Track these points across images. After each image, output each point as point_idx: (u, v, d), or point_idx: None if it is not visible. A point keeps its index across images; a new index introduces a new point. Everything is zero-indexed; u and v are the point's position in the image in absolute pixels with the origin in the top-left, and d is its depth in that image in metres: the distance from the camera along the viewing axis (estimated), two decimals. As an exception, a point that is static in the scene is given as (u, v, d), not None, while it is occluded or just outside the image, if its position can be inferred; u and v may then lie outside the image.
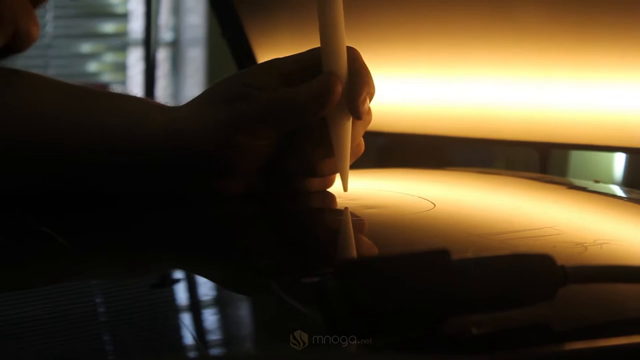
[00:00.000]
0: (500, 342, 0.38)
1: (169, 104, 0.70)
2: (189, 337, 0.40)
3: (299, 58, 0.67)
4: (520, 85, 1.13)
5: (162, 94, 3.45)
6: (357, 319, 0.35)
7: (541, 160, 1.25)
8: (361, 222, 0.63)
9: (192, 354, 0.38)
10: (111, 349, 0.39)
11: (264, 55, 1.46)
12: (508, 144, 1.34)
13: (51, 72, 3.48)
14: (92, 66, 3.62)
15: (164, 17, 3.52)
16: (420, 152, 1.77)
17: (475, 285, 0.37)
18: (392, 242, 0.57)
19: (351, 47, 0.65)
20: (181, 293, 0.48)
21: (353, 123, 0.65)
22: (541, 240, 0.55)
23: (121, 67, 3.65)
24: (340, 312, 0.35)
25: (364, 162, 0.71)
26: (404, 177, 0.91)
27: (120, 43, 3.63)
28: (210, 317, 0.43)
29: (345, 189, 0.66)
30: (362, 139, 0.68)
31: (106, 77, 3.64)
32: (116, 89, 3.47)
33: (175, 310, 0.44)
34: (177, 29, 3.63)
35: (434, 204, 0.66)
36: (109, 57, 3.64)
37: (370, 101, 0.65)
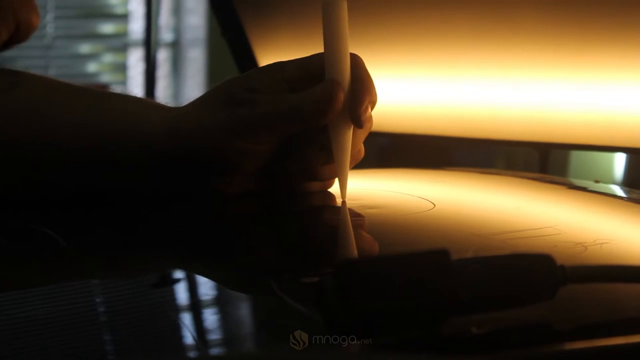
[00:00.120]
0: (500, 342, 0.38)
1: (169, 105, 0.70)
2: (188, 337, 0.40)
3: (301, 63, 0.67)
4: (520, 85, 1.13)
5: (163, 95, 3.45)
6: (356, 319, 0.35)
7: (541, 160, 1.25)
8: (361, 221, 0.63)
9: (191, 354, 0.38)
10: (110, 349, 0.39)
11: (265, 55, 1.46)
12: (508, 144, 1.34)
13: (52, 73, 3.48)
14: (93, 67, 3.62)
15: (165, 18, 3.52)
16: (421, 152, 1.77)
17: (474, 285, 0.37)
18: (391, 242, 0.57)
19: (354, 55, 0.65)
20: (180, 293, 0.48)
21: (354, 130, 0.65)
22: (541, 240, 0.55)
23: (121, 68, 3.65)
24: (338, 312, 0.35)
25: (364, 162, 0.71)
26: (404, 177, 0.91)
27: (121, 44, 3.63)
28: (209, 317, 0.43)
29: (343, 196, 0.66)
30: (362, 144, 0.68)
31: (107, 78, 3.64)
32: (116, 89, 3.47)
33: (174, 310, 0.44)
34: (177, 29, 3.63)
35: (434, 204, 0.66)
36: (110, 58, 3.64)
37: (372, 109, 0.65)
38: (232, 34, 1.51)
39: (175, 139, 0.66)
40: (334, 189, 0.69)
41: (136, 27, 3.53)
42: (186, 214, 0.66)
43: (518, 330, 0.39)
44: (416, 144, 1.69)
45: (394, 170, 1.00)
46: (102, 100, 0.70)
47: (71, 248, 0.54)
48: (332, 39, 0.64)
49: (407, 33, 1.25)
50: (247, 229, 0.64)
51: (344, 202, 0.65)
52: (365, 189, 0.74)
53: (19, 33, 0.49)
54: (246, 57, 1.47)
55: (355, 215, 0.64)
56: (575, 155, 1.71)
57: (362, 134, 0.67)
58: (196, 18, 3.55)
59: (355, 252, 0.54)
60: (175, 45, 3.63)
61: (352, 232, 0.61)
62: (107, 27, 3.62)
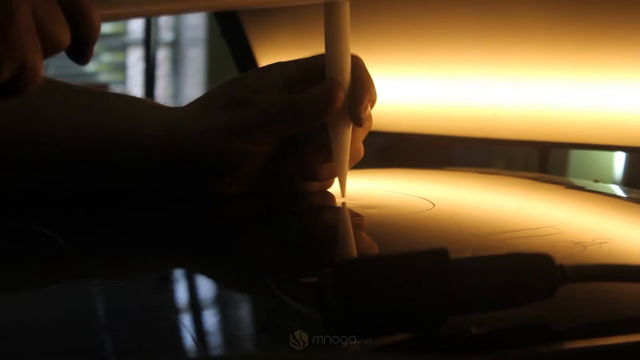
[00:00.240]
0: (499, 342, 0.38)
1: (169, 105, 0.70)
2: (187, 338, 0.40)
3: (301, 63, 0.68)
4: (519, 84, 1.13)
5: (162, 94, 3.45)
6: (355, 318, 0.35)
7: (541, 159, 1.25)
8: (360, 221, 0.63)
9: (191, 355, 0.38)
10: (110, 350, 0.39)
11: (264, 55, 1.46)
12: (508, 143, 1.34)
13: (51, 72, 3.48)
14: (92, 66, 3.62)
15: (164, 17, 3.52)
16: (420, 151, 1.77)
17: (473, 285, 0.37)
18: (391, 241, 0.57)
19: (355, 55, 0.65)
20: (179, 293, 0.48)
21: (353, 129, 0.65)
22: (540, 239, 0.55)
23: (120, 67, 3.65)
24: (337, 312, 0.35)
25: (363, 162, 0.71)
26: (403, 177, 0.91)
27: (120, 43, 3.63)
28: (208, 318, 0.43)
29: (342, 194, 0.66)
30: (361, 144, 0.68)
31: (106, 77, 3.64)
32: (116, 89, 3.47)
33: (173, 310, 0.44)
34: (177, 29, 3.63)
35: (433, 203, 0.66)
36: (109, 57, 3.64)
37: (371, 108, 0.66)
38: (231, 33, 1.50)
39: (175, 139, 0.66)
40: (334, 188, 0.70)
41: (135, 26, 3.53)
42: (185, 214, 0.66)
43: (517, 330, 0.39)
44: (415, 143, 1.69)
45: (393, 170, 1.00)
46: (102, 100, 0.70)
47: (70, 248, 0.55)
48: (333, 39, 0.64)
49: (407, 32, 1.25)
50: (246, 229, 0.64)
51: (343, 202, 0.66)
52: (365, 189, 0.74)
53: (22, 76, 0.48)
54: (246, 57, 1.47)
55: (355, 215, 0.64)
56: (574, 154, 1.71)
57: (362, 133, 0.67)
58: (196, 17, 3.55)
59: (354, 252, 0.54)
60: (175, 45, 3.63)
61: (351, 232, 0.61)
62: (106, 27, 3.61)
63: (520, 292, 0.38)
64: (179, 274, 0.51)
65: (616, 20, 0.99)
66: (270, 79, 0.67)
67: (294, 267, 0.52)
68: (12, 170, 0.66)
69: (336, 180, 0.67)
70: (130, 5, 0.56)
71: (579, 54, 1.04)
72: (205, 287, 0.49)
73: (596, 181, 0.91)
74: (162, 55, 3.52)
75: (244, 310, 0.45)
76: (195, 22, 3.55)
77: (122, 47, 3.62)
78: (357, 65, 0.65)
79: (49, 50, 0.50)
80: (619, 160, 1.67)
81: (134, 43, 3.56)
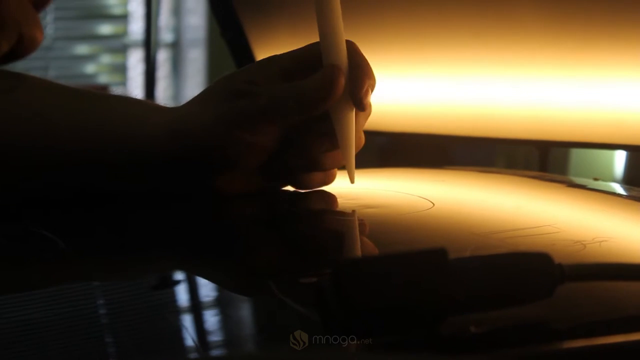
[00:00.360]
0: (498, 341, 0.38)
1: (169, 106, 0.70)
2: (187, 339, 0.40)
3: (297, 54, 0.68)
4: (519, 83, 1.13)
5: (163, 95, 3.45)
6: (354, 318, 0.35)
7: (541, 158, 1.25)
8: (360, 221, 0.63)
9: (190, 356, 0.38)
10: (109, 352, 0.39)
11: (264, 56, 1.46)
12: (508, 142, 1.34)
13: (51, 74, 3.48)
14: (93, 68, 3.62)
15: (164, 18, 3.52)
16: (421, 151, 1.77)
17: (472, 284, 0.37)
18: (390, 241, 0.57)
19: (349, 41, 0.65)
20: (179, 294, 0.48)
21: (355, 115, 0.65)
22: (540, 238, 0.55)
23: (121, 69, 3.65)
24: (336, 312, 0.35)
25: (364, 161, 0.71)
26: (403, 176, 0.91)
27: (121, 44, 3.63)
28: (207, 319, 0.43)
29: (352, 180, 0.66)
30: (362, 132, 0.69)
31: (107, 79, 3.64)
32: (116, 90, 3.48)
33: (173, 311, 0.44)
34: (177, 30, 3.63)
35: (433, 203, 0.66)
36: (110, 59, 3.64)
37: (372, 92, 0.66)
38: (231, 34, 1.51)
39: (176, 138, 0.66)
40: (334, 185, 0.70)
41: (136, 27, 3.53)
42: (185, 214, 0.66)
43: (516, 329, 0.39)
44: (416, 142, 1.69)
45: (393, 169, 1.00)
46: (102, 102, 0.70)
47: (70, 250, 0.55)
48: (326, 26, 0.65)
49: (407, 31, 1.25)
50: (246, 229, 0.64)
51: (342, 204, 0.66)
52: (365, 188, 0.74)
53: (21, 47, 0.49)
54: (246, 58, 1.47)
55: (355, 214, 0.64)
56: (575, 153, 1.71)
57: (363, 119, 0.67)
58: (196, 18, 3.55)
59: (354, 252, 0.54)
60: (175, 46, 3.63)
61: (351, 232, 0.61)
62: (107, 28, 3.62)
63: (519, 292, 0.38)
64: (178, 275, 0.51)
65: (616, 19, 0.99)
66: (269, 70, 0.67)
67: (294, 267, 0.52)
68: (13, 171, 0.66)
69: (339, 172, 0.67)
70: None
71: (579, 52, 1.04)
72: (205, 287, 0.49)
73: (596, 179, 0.91)
74: (163, 57, 3.53)
75: (244, 311, 0.45)
76: (196, 23, 3.55)
77: (122, 49, 3.62)
78: (354, 51, 0.65)
79: (44, 2, 0.50)
80: (619, 159, 1.67)
81: (134, 44, 3.57)
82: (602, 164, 1.74)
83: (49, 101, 0.68)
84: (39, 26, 0.49)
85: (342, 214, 0.65)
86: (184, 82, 3.60)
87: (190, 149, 0.66)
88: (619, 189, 1.05)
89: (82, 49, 3.57)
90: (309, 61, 0.66)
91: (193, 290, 0.48)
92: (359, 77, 0.64)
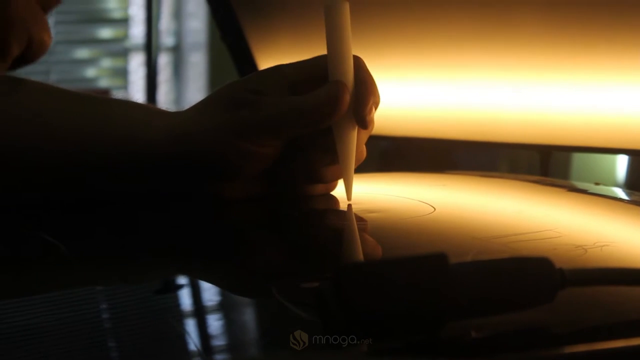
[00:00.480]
0: (499, 346, 0.38)
1: (170, 110, 0.70)
2: (188, 342, 0.40)
3: (303, 65, 0.67)
4: (521, 88, 1.13)
5: (164, 99, 3.45)
6: (355, 323, 0.35)
7: (542, 162, 1.25)
8: (361, 225, 0.63)
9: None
10: (112, 356, 0.39)
11: (264, 60, 1.46)
12: (510, 146, 1.34)
13: (53, 78, 3.48)
14: (94, 72, 3.62)
15: (165, 22, 3.52)
16: (423, 155, 1.77)
17: (473, 289, 0.37)
18: (391, 246, 0.57)
19: (356, 56, 0.65)
20: (180, 298, 0.48)
21: (357, 131, 0.65)
22: (541, 243, 0.55)
23: (122, 73, 3.65)
24: (337, 317, 0.35)
25: (366, 166, 0.71)
26: (404, 180, 0.91)
27: (122, 48, 3.63)
28: (208, 323, 0.43)
29: (348, 198, 0.66)
30: (364, 145, 0.68)
31: (108, 83, 3.64)
32: (118, 94, 3.48)
33: (175, 315, 0.44)
34: (178, 33, 3.63)
35: (434, 207, 0.66)
36: (111, 63, 3.64)
37: (375, 110, 0.66)
38: (232, 38, 1.51)
39: (178, 143, 0.66)
40: (337, 191, 0.70)
41: (137, 31, 3.54)
42: (186, 218, 0.66)
43: (517, 334, 0.39)
44: (418, 147, 1.69)
45: (395, 174, 1.00)
46: (103, 105, 0.70)
47: (71, 253, 0.54)
48: (335, 41, 0.64)
49: (409, 36, 1.25)
50: (248, 233, 0.64)
51: (348, 205, 0.66)
52: (366, 193, 0.74)
53: (31, 51, 0.49)
54: (246, 62, 1.47)
55: (356, 219, 0.64)
56: (577, 157, 1.71)
57: (365, 135, 0.67)
58: (197, 22, 3.55)
59: (355, 257, 0.54)
60: (176, 50, 3.63)
61: (352, 237, 0.61)
62: (108, 32, 3.62)
63: (520, 296, 0.38)
64: (180, 279, 0.51)
65: (617, 24, 0.99)
66: (273, 81, 0.67)
67: (296, 271, 0.52)
68: (14, 173, 0.66)
69: (341, 182, 0.67)
70: None
71: (581, 56, 1.04)
72: (206, 292, 0.49)
73: (597, 184, 0.91)
74: (164, 60, 3.52)
75: (245, 316, 0.45)
76: (197, 27, 3.55)
77: (123, 53, 3.63)
78: (360, 67, 0.65)
79: (52, 4, 0.50)
80: (621, 163, 1.66)
81: (135, 48, 3.57)
82: (604, 168, 1.74)
83: (49, 104, 0.68)
84: (47, 29, 0.49)
85: (344, 218, 0.65)
86: (185, 85, 3.60)
87: (191, 155, 0.66)
88: (620, 193, 1.04)
89: (83, 52, 3.57)
90: (314, 74, 0.66)
91: (193, 295, 0.48)
92: (364, 94, 0.64)
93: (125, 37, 3.62)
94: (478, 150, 1.75)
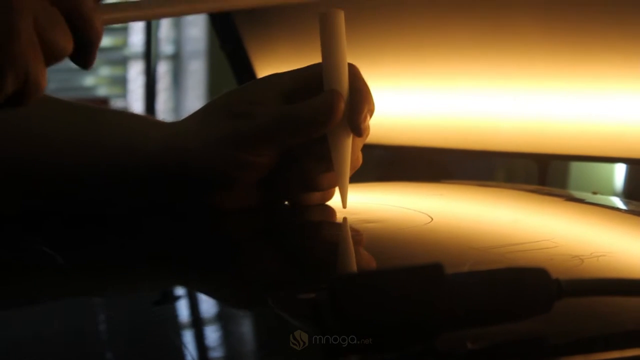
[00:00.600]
0: (495, 356, 0.38)
1: (168, 120, 0.70)
2: (185, 354, 0.40)
3: (298, 74, 0.68)
4: (519, 96, 1.13)
5: (163, 108, 3.45)
6: (351, 334, 0.35)
7: (540, 171, 1.25)
8: (358, 236, 0.63)
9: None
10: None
11: (263, 68, 1.46)
12: (507, 155, 1.34)
13: (51, 86, 3.48)
14: (93, 80, 3.62)
15: (165, 30, 3.52)
16: (420, 164, 1.77)
17: (469, 300, 0.37)
18: (388, 256, 0.57)
19: (351, 65, 0.65)
20: (176, 309, 0.48)
21: (352, 138, 0.65)
22: (538, 253, 0.55)
23: (121, 81, 3.65)
24: (333, 327, 0.35)
25: (363, 174, 0.71)
26: (401, 190, 0.91)
27: (120, 56, 3.63)
28: (205, 334, 0.43)
29: (344, 205, 0.66)
30: (360, 152, 0.69)
31: (107, 91, 3.64)
32: (116, 102, 3.48)
33: (171, 326, 0.44)
34: (177, 41, 3.63)
35: (431, 217, 0.66)
36: (109, 71, 3.65)
37: (370, 118, 0.66)
38: (231, 47, 1.51)
39: (174, 154, 0.66)
40: (334, 201, 0.70)
41: (136, 39, 3.54)
42: (183, 229, 0.66)
43: (513, 345, 0.39)
44: (415, 156, 1.70)
45: (392, 183, 1.00)
46: (99, 116, 0.70)
47: (68, 264, 0.54)
48: (330, 50, 0.64)
49: (406, 45, 1.25)
50: (244, 244, 0.64)
51: (343, 217, 0.66)
52: (363, 203, 0.74)
53: (25, 90, 0.48)
54: (245, 71, 1.48)
55: (353, 229, 0.64)
56: (575, 166, 1.71)
57: (360, 142, 0.67)
58: (196, 30, 3.55)
59: (352, 267, 0.54)
60: (176, 58, 3.64)
61: (349, 247, 0.61)
62: (107, 40, 3.62)
63: (516, 307, 0.38)
64: (177, 290, 0.51)
65: (616, 33, 0.99)
66: (269, 90, 0.67)
67: (292, 283, 0.52)
68: (13, 187, 0.66)
69: (337, 190, 0.67)
70: (132, 10, 0.57)
71: (579, 65, 1.04)
72: (203, 303, 0.49)
73: (594, 193, 0.91)
74: (163, 69, 3.53)
75: (241, 327, 0.45)
76: (196, 35, 3.55)
77: (122, 61, 3.63)
78: (355, 75, 0.65)
79: (52, 58, 0.50)
80: (619, 172, 1.67)
81: (134, 56, 3.57)
82: (602, 177, 1.74)
83: (47, 116, 0.68)
84: (44, 75, 0.49)
85: (340, 228, 0.65)
86: (185, 94, 3.60)
87: (186, 166, 0.66)
88: (617, 203, 1.05)
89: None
90: (310, 82, 0.66)
91: (190, 306, 0.48)
92: (358, 103, 0.64)
93: (124, 45, 3.62)
94: (476, 159, 1.75)
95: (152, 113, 2.58)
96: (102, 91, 3.63)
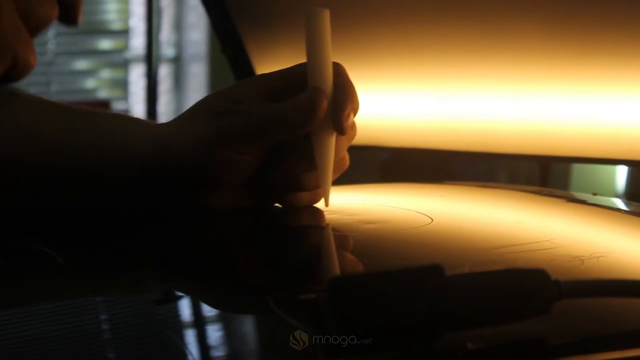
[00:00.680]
0: (495, 357, 0.38)
1: (157, 122, 0.70)
2: (185, 354, 0.40)
3: (284, 73, 0.68)
4: (520, 98, 1.13)
5: (164, 110, 3.45)
6: (349, 335, 0.35)
7: (542, 173, 1.25)
8: (358, 237, 0.63)
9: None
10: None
11: (264, 71, 1.46)
12: (509, 157, 1.34)
13: (53, 89, 3.49)
14: (95, 83, 3.63)
15: (166, 33, 3.53)
16: (423, 166, 1.77)
17: (468, 301, 0.37)
18: (388, 257, 0.57)
19: (336, 63, 0.65)
20: (174, 312, 0.48)
21: (337, 138, 0.65)
22: (538, 254, 0.55)
23: (122, 84, 3.66)
24: (332, 329, 0.35)
25: (365, 176, 0.71)
26: (402, 191, 0.91)
27: (121, 59, 3.64)
28: (206, 336, 0.43)
29: (326, 204, 0.66)
30: (346, 153, 0.68)
31: (109, 94, 3.64)
32: (117, 105, 3.48)
33: (170, 329, 0.44)
34: (178, 44, 3.63)
35: (431, 218, 0.66)
36: (110, 74, 3.65)
37: (354, 116, 0.66)
38: (232, 50, 1.51)
39: (162, 154, 0.66)
40: (333, 201, 0.69)
41: (137, 42, 3.54)
42: (171, 231, 0.66)
43: (513, 346, 0.39)
44: (417, 157, 1.69)
45: (393, 184, 1.00)
46: (87, 117, 0.70)
47: (62, 267, 0.54)
48: (314, 49, 0.65)
49: (409, 47, 1.25)
50: (241, 247, 0.64)
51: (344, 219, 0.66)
52: (364, 203, 0.74)
53: (15, 70, 0.49)
54: (246, 74, 1.48)
55: (353, 231, 0.64)
56: (576, 168, 1.71)
57: (346, 142, 0.67)
58: (197, 33, 3.56)
59: (350, 269, 0.54)
60: (177, 61, 3.64)
61: (348, 248, 0.61)
62: (108, 43, 3.62)
63: (516, 308, 0.38)
64: (175, 294, 0.51)
65: (616, 35, 0.99)
66: (255, 90, 0.67)
67: (292, 284, 0.52)
68: (6, 189, 0.66)
69: (336, 193, 0.67)
70: None
71: (580, 67, 1.04)
72: (202, 303, 0.49)
73: (595, 194, 0.91)
74: (164, 72, 3.53)
75: (243, 328, 0.45)
76: (197, 38, 3.55)
77: (123, 64, 3.63)
78: (339, 73, 0.65)
79: (39, 29, 0.51)
80: (621, 174, 1.66)
81: (135, 59, 3.57)
82: (603, 179, 1.74)
83: (38, 117, 0.68)
84: (32, 51, 0.50)
85: (340, 229, 0.65)
86: (186, 97, 3.60)
87: (171, 166, 0.66)
88: (618, 204, 1.05)
89: (83, 64, 3.58)
90: (296, 80, 0.66)
91: (190, 309, 0.48)
92: (342, 101, 0.64)
93: (125, 48, 3.63)
94: (477, 161, 1.75)
95: (153, 115, 2.58)
96: (103, 94, 3.64)
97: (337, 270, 0.54)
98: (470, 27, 1.15)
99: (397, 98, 1.27)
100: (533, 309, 0.39)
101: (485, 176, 1.78)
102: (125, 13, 3.62)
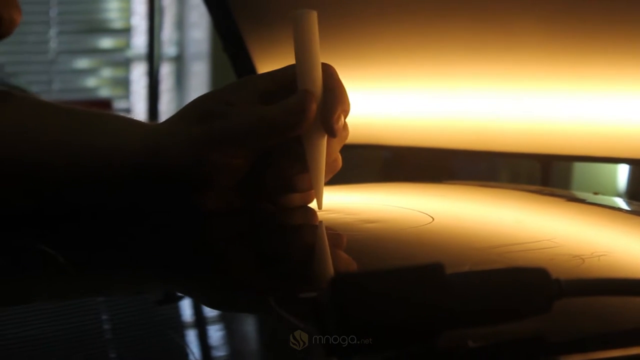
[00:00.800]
0: (495, 356, 0.38)
1: (150, 122, 0.70)
2: (186, 354, 0.40)
3: (275, 75, 0.68)
4: (522, 97, 1.13)
5: (166, 109, 3.45)
6: (350, 333, 0.35)
7: (543, 172, 1.25)
8: (359, 236, 0.63)
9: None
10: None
11: (266, 70, 1.46)
12: (510, 156, 1.34)
13: (55, 88, 3.49)
14: (97, 81, 3.63)
15: (167, 32, 3.53)
16: (424, 165, 1.77)
17: (469, 299, 0.37)
18: (389, 256, 0.57)
19: (326, 64, 0.65)
20: (174, 311, 0.48)
21: (328, 139, 0.65)
22: (539, 253, 0.55)
23: (124, 82, 3.66)
24: (333, 327, 0.35)
25: (368, 176, 0.71)
26: (403, 191, 0.91)
27: (123, 58, 3.64)
28: (207, 335, 0.43)
29: (319, 206, 0.66)
30: (339, 154, 0.68)
31: (111, 93, 3.64)
32: (119, 104, 3.48)
33: (169, 329, 0.44)
34: (180, 43, 3.63)
35: (432, 217, 0.66)
36: (112, 72, 3.65)
37: (345, 118, 0.65)
38: (233, 49, 1.51)
39: (153, 154, 0.66)
40: (334, 200, 0.69)
41: (139, 41, 3.54)
42: (165, 232, 0.66)
43: (513, 344, 0.39)
44: (420, 157, 1.69)
45: (394, 184, 1.00)
46: (81, 117, 0.70)
47: (59, 266, 0.54)
48: (303, 50, 0.64)
49: (409, 46, 1.25)
50: (240, 246, 0.64)
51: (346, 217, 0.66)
52: (365, 203, 0.74)
53: (1, 29, 0.50)
54: (248, 73, 1.47)
55: (354, 230, 0.64)
56: (578, 167, 1.71)
57: (337, 144, 0.67)
58: (199, 32, 3.56)
59: (350, 267, 0.54)
60: (179, 59, 3.64)
61: (348, 247, 0.61)
62: (110, 42, 3.63)
63: (517, 307, 0.38)
64: (171, 294, 0.51)
65: (618, 34, 0.99)
66: (246, 91, 0.67)
67: (293, 283, 0.52)
68: (2, 188, 0.66)
69: (336, 192, 0.67)
70: None
71: (581, 66, 1.04)
72: (203, 303, 0.49)
73: (596, 194, 0.91)
74: (166, 70, 3.53)
75: (242, 327, 0.45)
76: (199, 37, 3.55)
77: (125, 62, 3.63)
78: (329, 75, 0.65)
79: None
80: (622, 173, 1.66)
81: (137, 58, 3.58)
82: (605, 178, 1.74)
83: (32, 118, 0.68)
84: (17, 8, 0.50)
85: (340, 229, 0.65)
86: (188, 95, 3.60)
87: (162, 167, 0.66)
88: (618, 203, 1.05)
89: (84, 62, 3.58)
90: (287, 82, 0.66)
91: (192, 309, 0.48)
92: (332, 103, 0.64)
93: (127, 47, 3.63)
94: (479, 160, 1.75)
95: (154, 114, 2.58)
96: (105, 92, 3.64)
97: (337, 269, 0.54)
98: (472, 26, 1.15)
99: (398, 97, 1.27)
100: (534, 308, 0.39)
101: (487, 175, 1.78)
102: (127, 12, 3.62)
